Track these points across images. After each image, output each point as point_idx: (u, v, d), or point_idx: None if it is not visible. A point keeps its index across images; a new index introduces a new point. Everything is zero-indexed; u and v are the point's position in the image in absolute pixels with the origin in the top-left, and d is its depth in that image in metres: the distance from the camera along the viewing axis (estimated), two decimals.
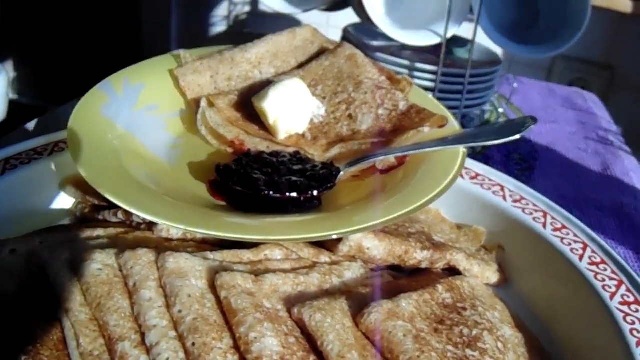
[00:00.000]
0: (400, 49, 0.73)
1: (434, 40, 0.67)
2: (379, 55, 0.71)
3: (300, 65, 0.62)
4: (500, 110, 0.85)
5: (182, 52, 0.63)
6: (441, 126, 0.53)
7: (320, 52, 0.62)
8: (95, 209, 0.50)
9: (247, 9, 1.40)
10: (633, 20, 1.04)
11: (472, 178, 0.57)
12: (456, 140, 0.51)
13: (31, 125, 0.70)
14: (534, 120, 0.54)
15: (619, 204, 0.70)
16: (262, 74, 0.61)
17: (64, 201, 0.53)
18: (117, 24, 1.38)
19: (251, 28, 1.42)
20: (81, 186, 0.51)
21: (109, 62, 1.43)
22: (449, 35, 0.66)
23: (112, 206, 0.47)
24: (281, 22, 1.34)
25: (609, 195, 0.71)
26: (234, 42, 1.10)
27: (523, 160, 0.75)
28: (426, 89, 0.72)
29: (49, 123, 0.72)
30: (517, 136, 0.52)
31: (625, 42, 1.01)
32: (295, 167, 0.48)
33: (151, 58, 0.64)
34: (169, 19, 1.46)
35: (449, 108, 0.73)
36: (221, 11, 1.42)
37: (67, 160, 0.52)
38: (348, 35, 0.81)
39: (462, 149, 0.50)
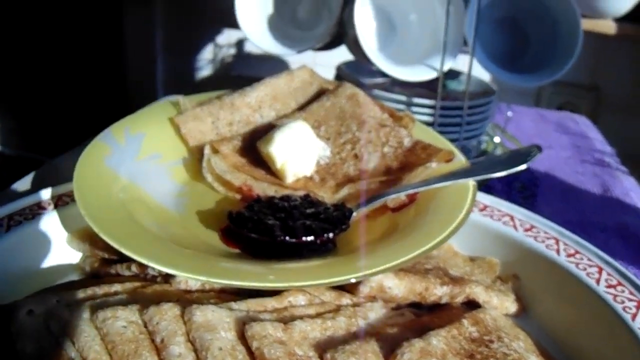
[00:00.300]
0: (395, 85, 0.75)
1: (430, 74, 0.68)
2: (376, 92, 0.73)
3: (301, 107, 0.63)
4: (497, 139, 0.87)
5: (180, 99, 0.64)
6: (448, 161, 0.54)
7: (320, 93, 0.64)
8: (105, 262, 0.50)
9: (232, 51, 1.42)
10: (616, 41, 1.07)
11: (481, 210, 0.58)
12: (464, 173, 0.52)
13: (28, 179, 0.70)
14: (539, 149, 0.56)
15: (623, 224, 0.71)
16: (263, 118, 0.62)
17: (71, 255, 0.53)
18: (102, 70, 1.39)
19: (238, 71, 1.43)
20: (89, 239, 0.51)
21: (95, 109, 1.44)
22: (446, 69, 0.67)
23: (124, 259, 0.47)
24: (267, 63, 1.36)
25: (612, 216, 0.72)
26: (221, 85, 1.11)
27: (525, 188, 0.76)
28: (424, 123, 0.73)
29: (46, 175, 0.71)
30: (524, 166, 0.54)
31: (609, 63, 1.04)
32: (308, 211, 0.48)
33: (149, 105, 0.65)
34: (154, 64, 1.47)
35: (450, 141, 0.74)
36: (206, 54, 1.44)
37: (72, 213, 0.52)
38: (341, 73, 0.82)
39: (471, 183, 0.51)
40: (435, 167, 0.54)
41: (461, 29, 0.67)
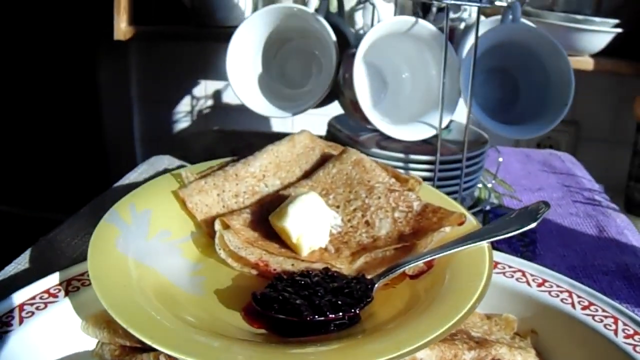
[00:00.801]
0: (387, 139, 0.76)
1: (428, 133, 0.71)
2: (374, 150, 0.74)
3: (306, 174, 0.64)
4: (489, 185, 0.90)
5: (182, 172, 0.64)
6: (460, 224, 0.56)
7: (324, 158, 0.65)
8: (128, 350, 0.50)
9: (210, 102, 1.43)
10: (593, 75, 1.12)
11: (494, 267, 0.59)
12: (479, 236, 0.54)
13: (25, 257, 0.69)
14: (547, 205, 0.58)
15: (623, 265, 0.73)
16: (268, 187, 0.63)
17: (86, 342, 0.52)
18: (77, 121, 1.38)
19: (219, 123, 1.45)
20: (106, 326, 0.50)
21: (72, 160, 1.43)
22: (444, 125, 0.70)
23: (149, 348, 0.47)
24: (246, 116, 1.37)
25: (612, 257, 0.75)
26: (202, 138, 1.12)
27: (524, 236, 0.78)
28: (424, 179, 0.75)
29: (43, 253, 0.71)
30: (534, 224, 0.56)
31: (587, 97, 1.08)
32: (331, 285, 0.49)
33: (152, 180, 0.66)
34: (130, 115, 1.47)
35: (448, 194, 0.76)
36: (184, 106, 1.45)
37: (84, 299, 0.52)
38: (332, 129, 0.84)
39: (486, 245, 0.53)
40: (448, 231, 0.55)
41: (456, 84, 0.70)
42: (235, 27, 1.22)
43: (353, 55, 0.69)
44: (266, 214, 0.58)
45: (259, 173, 0.63)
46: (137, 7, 1.27)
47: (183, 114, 1.45)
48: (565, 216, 0.86)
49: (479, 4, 0.65)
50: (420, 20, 0.69)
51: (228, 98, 1.42)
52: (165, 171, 0.97)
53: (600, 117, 1.27)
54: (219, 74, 1.40)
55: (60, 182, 1.41)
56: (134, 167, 1.53)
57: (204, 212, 0.60)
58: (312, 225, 0.54)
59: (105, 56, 1.39)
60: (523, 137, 0.74)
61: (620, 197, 1.21)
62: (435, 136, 0.71)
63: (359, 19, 0.76)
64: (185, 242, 0.59)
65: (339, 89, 0.74)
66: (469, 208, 0.84)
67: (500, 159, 0.90)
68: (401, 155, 0.74)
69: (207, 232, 0.60)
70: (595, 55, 1.11)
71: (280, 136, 0.72)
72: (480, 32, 0.66)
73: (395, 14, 0.85)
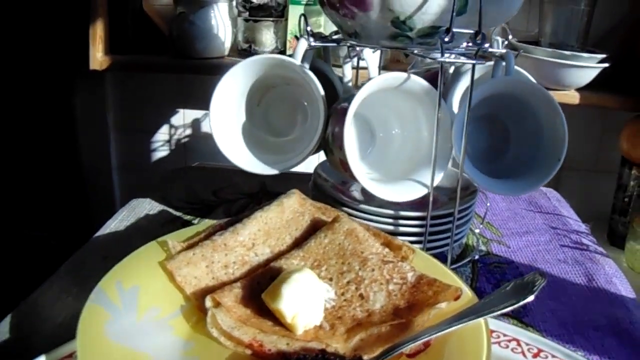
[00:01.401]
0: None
1: (420, 192, 0.71)
2: (362, 207, 0.74)
3: (296, 242, 0.64)
4: (477, 230, 0.90)
5: (168, 241, 0.63)
6: (456, 298, 0.56)
7: (314, 224, 0.65)
8: None
9: (189, 131, 1.42)
10: (578, 107, 1.14)
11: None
12: (476, 312, 0.54)
13: (6, 324, 0.68)
14: (543, 276, 0.58)
15: (614, 319, 0.74)
16: (258, 256, 0.63)
17: None
18: (54, 152, 1.36)
19: (196, 153, 1.43)
20: None
21: (49, 195, 1.41)
22: (436, 183, 0.70)
23: None
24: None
25: (602, 310, 0.76)
26: (182, 175, 1.10)
27: None
28: (413, 234, 0.76)
29: (24, 319, 0.69)
30: (532, 297, 0.56)
31: (570, 127, 1.10)
32: None
33: (137, 250, 0.64)
34: (107, 144, 1.45)
35: (439, 247, 0.77)
36: (162, 136, 1.43)
37: None
38: (319, 180, 0.84)
39: (483, 322, 0.53)
40: (444, 307, 0.55)
41: (449, 141, 0.70)
42: (215, 58, 1.24)
43: (343, 112, 0.68)
44: (257, 288, 0.57)
45: (248, 242, 0.63)
46: (114, 36, 1.26)
47: (161, 143, 1.44)
48: (554, 263, 0.87)
49: (473, 62, 0.66)
50: (412, 76, 0.69)
51: (207, 127, 1.41)
52: (147, 217, 0.97)
53: (583, 147, 1.30)
54: (198, 103, 1.39)
55: (37, 209, 1.39)
56: (112, 195, 1.52)
57: (193, 284, 0.60)
58: (306, 304, 0.54)
59: (82, 83, 1.37)
60: (515, 194, 0.75)
61: (603, 228, 1.24)
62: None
63: (347, 70, 0.75)
64: (175, 318, 0.58)
65: (327, 144, 0.74)
66: (458, 257, 0.84)
67: (488, 204, 0.91)
68: (390, 212, 0.74)
69: (196, 305, 0.59)
70: (581, 89, 1.12)
71: (260, 176, 0.73)
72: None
73: (380, 60, 0.86)
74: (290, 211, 0.66)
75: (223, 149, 0.76)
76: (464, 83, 0.81)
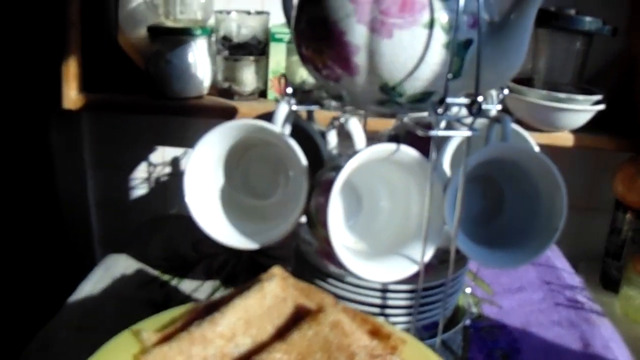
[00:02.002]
0: None
1: (409, 270, 0.68)
2: (349, 279, 0.71)
3: (279, 331, 0.60)
4: (468, 290, 0.87)
5: (143, 332, 0.60)
6: None
7: (297, 311, 0.61)
8: None
9: (168, 169, 1.38)
10: (571, 149, 1.12)
11: None
12: None
13: None
14: None
15: None
16: (238, 347, 0.59)
17: None
18: (31, 189, 1.31)
19: (175, 191, 1.40)
20: None
21: (26, 232, 1.36)
22: (426, 259, 0.67)
23: None
24: None
25: None
26: (160, 226, 1.06)
27: (506, 357, 0.76)
28: (402, 307, 0.73)
29: None
30: None
31: (561, 166, 1.10)
32: None
33: (110, 342, 0.61)
34: (84, 182, 1.41)
35: (429, 318, 0.74)
36: (140, 173, 1.39)
37: None
38: (303, 245, 0.80)
39: None
40: None
41: (441, 213, 0.67)
42: (194, 98, 1.20)
43: (327, 187, 0.65)
44: None
45: (227, 332, 0.59)
46: (88, 72, 1.21)
47: (140, 181, 1.40)
48: (549, 326, 0.84)
49: (469, 133, 0.63)
50: (402, 147, 0.66)
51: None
52: (123, 278, 0.93)
53: (575, 186, 1.27)
54: (177, 140, 1.35)
55: (14, 248, 1.34)
56: (90, 233, 1.47)
57: None
58: None
59: (58, 121, 1.33)
60: (510, 266, 0.72)
61: (596, 270, 1.21)
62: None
63: (332, 137, 0.72)
64: None
65: (310, 216, 0.71)
66: (449, 320, 0.82)
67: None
68: (378, 286, 0.71)
69: None
70: (575, 131, 1.10)
71: None
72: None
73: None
74: (272, 297, 0.62)
75: (201, 223, 0.72)
76: (455, 142, 0.78)
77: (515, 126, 0.77)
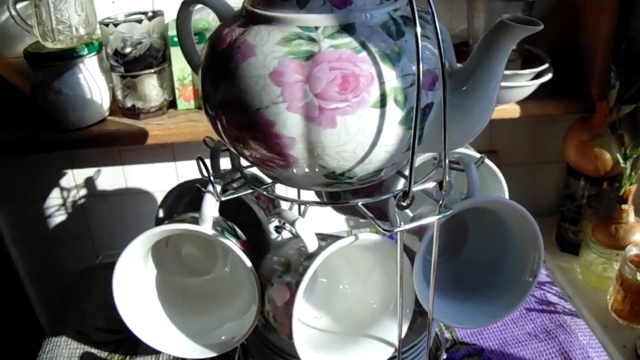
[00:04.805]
0: None
1: (384, 354, 0.60)
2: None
3: None
4: (447, 335, 0.81)
5: None
6: None
7: None
8: None
9: (83, 192, 1.22)
10: (516, 120, 1.04)
11: None
12: None
13: None
14: None
15: None
16: None
17: None
18: None
19: (95, 215, 1.24)
20: None
21: None
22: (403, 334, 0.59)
23: None
24: (129, 199, 1.19)
25: None
26: (87, 275, 0.94)
27: None
28: None
29: None
30: None
31: (504, 128, 1.01)
32: None
33: None
34: None
35: None
36: (54, 200, 1.23)
37: None
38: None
39: None
40: None
41: (411, 288, 0.59)
42: (96, 124, 1.02)
43: (288, 292, 0.55)
44: None
45: None
46: None
47: (55, 208, 1.23)
48: (526, 342, 0.79)
49: (437, 216, 0.53)
50: (361, 236, 0.56)
51: (102, 184, 1.21)
52: None
53: (519, 143, 1.21)
54: (86, 160, 1.18)
55: None
56: (13, 269, 1.30)
57: None
58: None
59: None
60: (483, 323, 0.65)
61: (550, 230, 1.17)
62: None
63: (274, 229, 0.61)
64: None
65: (266, 314, 0.60)
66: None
67: None
68: None
69: None
70: (522, 100, 1.01)
71: None
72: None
73: None
74: None
75: (143, 337, 0.61)
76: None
77: (488, 162, 0.68)
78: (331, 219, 1.25)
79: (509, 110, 1.01)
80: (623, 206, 0.96)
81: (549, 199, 1.27)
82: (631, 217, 0.96)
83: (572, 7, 1.05)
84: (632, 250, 0.91)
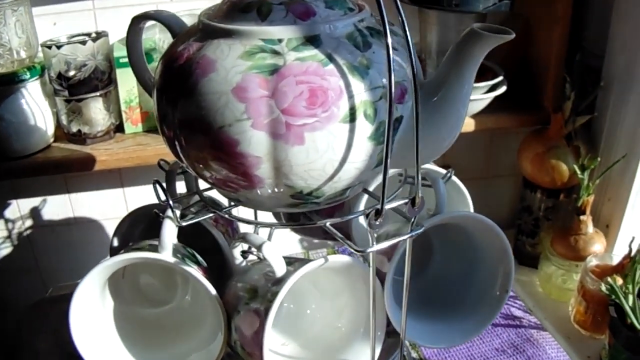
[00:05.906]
0: None
1: None
2: None
3: None
4: (414, 355, 0.79)
5: None
6: None
7: None
8: None
9: (29, 222, 1.15)
10: (470, 134, 1.03)
11: None
12: None
13: None
14: None
15: None
16: None
17: None
18: None
19: (44, 245, 1.17)
20: None
21: None
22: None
23: None
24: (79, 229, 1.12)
25: None
26: (39, 310, 0.87)
27: None
28: None
29: None
30: None
31: (457, 145, 1.02)
32: None
33: None
34: None
35: None
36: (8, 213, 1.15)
37: None
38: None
39: None
40: None
41: (382, 310, 0.56)
42: (40, 151, 0.97)
43: (257, 320, 0.52)
44: None
45: None
46: None
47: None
48: (493, 357, 0.78)
49: (409, 234, 0.51)
50: (331, 258, 0.53)
51: (48, 214, 1.15)
52: None
53: (473, 157, 1.21)
54: (31, 189, 1.12)
55: None
56: None
57: None
58: None
59: None
60: (461, 342, 0.63)
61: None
62: None
63: (238, 253, 0.58)
64: None
65: (232, 344, 0.56)
66: None
67: None
68: None
69: None
70: (476, 114, 1.00)
71: None
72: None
73: None
74: None
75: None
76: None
77: (454, 178, 0.66)
78: (285, 241, 1.22)
79: (465, 124, 1.00)
80: (581, 217, 0.96)
81: (504, 213, 1.27)
82: (590, 228, 0.97)
83: (525, 19, 1.06)
84: (592, 261, 0.91)
